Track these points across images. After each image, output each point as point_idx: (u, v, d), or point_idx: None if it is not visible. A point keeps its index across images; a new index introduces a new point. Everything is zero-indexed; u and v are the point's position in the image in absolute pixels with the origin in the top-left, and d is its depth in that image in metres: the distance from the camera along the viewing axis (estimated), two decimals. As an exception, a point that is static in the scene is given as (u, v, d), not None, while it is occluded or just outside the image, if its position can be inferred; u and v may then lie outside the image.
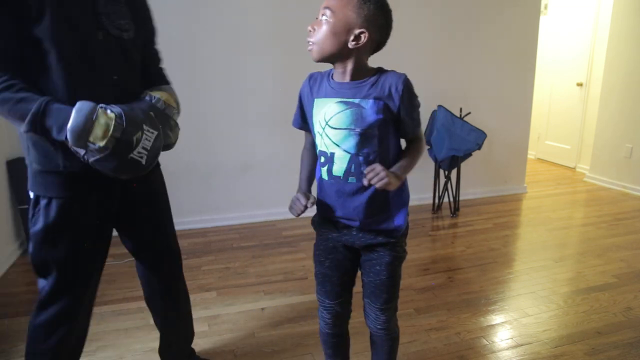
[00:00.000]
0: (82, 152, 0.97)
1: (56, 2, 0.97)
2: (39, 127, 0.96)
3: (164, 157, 3.19)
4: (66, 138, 0.95)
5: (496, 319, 1.91)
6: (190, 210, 2.99)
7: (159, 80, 1.30)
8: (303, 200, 1.13)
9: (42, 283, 1.15)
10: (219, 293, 2.14)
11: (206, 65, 2.82)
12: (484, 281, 2.23)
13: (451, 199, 3.23)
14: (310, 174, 1.23)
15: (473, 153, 3.06)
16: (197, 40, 2.78)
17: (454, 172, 3.22)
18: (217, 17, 2.77)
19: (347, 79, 1.07)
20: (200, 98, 2.85)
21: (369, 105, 1.04)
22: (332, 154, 1.09)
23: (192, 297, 2.08)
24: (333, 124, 1.07)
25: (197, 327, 1.82)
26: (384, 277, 1.19)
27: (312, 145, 1.21)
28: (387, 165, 1.07)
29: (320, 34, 1.03)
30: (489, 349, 1.71)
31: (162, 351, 1.52)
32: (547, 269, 2.36)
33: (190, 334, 1.55)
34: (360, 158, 1.07)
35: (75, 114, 0.94)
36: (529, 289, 2.16)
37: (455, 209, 3.22)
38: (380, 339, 1.30)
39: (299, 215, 1.14)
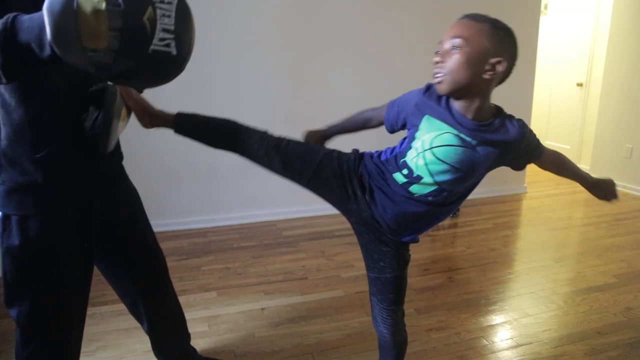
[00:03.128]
0: (91, 68, 0.71)
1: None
2: (12, 49, 0.70)
3: (163, 156, 3.16)
4: (54, 52, 0.68)
5: (496, 319, 1.91)
6: (191, 210, 2.99)
7: None
8: (318, 135, 1.14)
9: (16, 309, 1.04)
10: (219, 293, 2.14)
11: (208, 65, 2.82)
12: (484, 281, 2.23)
13: (451, 199, 3.23)
14: (350, 128, 1.23)
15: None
16: (199, 41, 2.77)
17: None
18: (219, 19, 2.77)
19: (470, 115, 0.99)
20: (200, 98, 2.85)
21: (484, 152, 0.99)
22: (419, 177, 1.03)
23: (192, 297, 2.09)
24: (438, 153, 0.99)
25: (197, 327, 1.82)
26: (390, 276, 1.16)
27: (373, 120, 1.22)
28: (455, 201, 1.09)
29: (452, 64, 0.94)
30: (489, 349, 1.71)
31: (156, 353, 1.52)
32: (547, 269, 2.36)
33: (183, 335, 1.53)
34: (445, 194, 1.04)
35: (49, 17, 0.65)
36: (529, 289, 2.16)
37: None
38: (388, 343, 1.26)
39: (305, 139, 1.15)
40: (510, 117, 1.03)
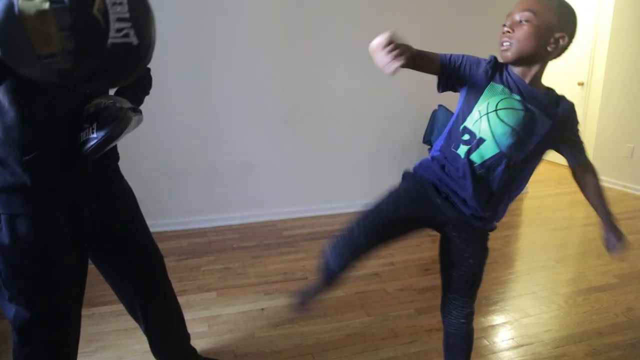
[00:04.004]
0: (53, 78, 0.68)
1: None
2: None
3: (163, 156, 3.17)
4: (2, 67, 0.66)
5: (497, 319, 1.90)
6: (190, 210, 2.99)
7: None
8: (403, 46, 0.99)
9: (12, 310, 1.04)
10: (219, 293, 2.14)
11: (207, 65, 2.81)
12: (484, 281, 2.18)
13: (452, 199, 3.22)
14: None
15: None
16: (199, 41, 2.77)
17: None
18: (219, 19, 2.76)
19: (527, 81, 1.08)
20: (200, 98, 2.84)
21: (543, 120, 1.06)
22: (482, 140, 1.08)
23: (192, 298, 2.09)
24: (502, 115, 1.06)
25: (197, 328, 1.82)
26: (476, 270, 1.23)
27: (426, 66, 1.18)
28: (518, 178, 1.14)
29: (521, 35, 1.03)
30: (490, 349, 1.70)
31: (154, 353, 1.52)
32: (548, 269, 2.35)
33: (182, 336, 1.53)
34: (504, 160, 1.07)
35: None
36: (529, 289, 2.15)
37: (456, 209, 3.21)
38: (461, 337, 1.31)
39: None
40: (563, 95, 1.11)
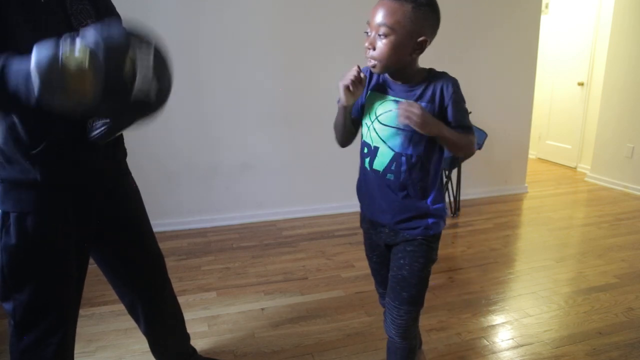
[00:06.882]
0: (76, 116, 0.81)
1: (26, 10, 0.88)
2: (1, 95, 0.79)
3: (163, 156, 3.16)
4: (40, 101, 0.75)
5: (497, 319, 1.90)
6: (190, 210, 2.99)
7: None
8: (356, 68, 1.08)
9: (12, 303, 1.04)
10: (219, 293, 2.14)
11: (207, 65, 2.81)
12: (484, 281, 2.22)
13: (452, 199, 3.22)
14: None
15: (474, 153, 3.06)
16: (198, 41, 2.77)
17: (454, 172, 3.21)
18: (218, 18, 2.76)
19: (400, 80, 1.10)
20: (200, 98, 2.84)
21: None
22: (377, 148, 1.12)
23: (191, 297, 2.09)
24: (383, 120, 1.10)
25: (197, 327, 1.82)
26: (406, 273, 1.18)
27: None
28: (428, 171, 1.12)
29: (382, 52, 1.02)
30: (490, 349, 1.70)
31: (154, 354, 1.51)
32: (548, 269, 2.35)
33: (182, 337, 1.53)
34: (403, 158, 1.09)
35: (36, 73, 0.72)
36: (529, 289, 2.15)
37: (456, 208, 3.22)
38: (394, 346, 1.24)
39: (348, 85, 1.09)
40: (443, 73, 1.10)
